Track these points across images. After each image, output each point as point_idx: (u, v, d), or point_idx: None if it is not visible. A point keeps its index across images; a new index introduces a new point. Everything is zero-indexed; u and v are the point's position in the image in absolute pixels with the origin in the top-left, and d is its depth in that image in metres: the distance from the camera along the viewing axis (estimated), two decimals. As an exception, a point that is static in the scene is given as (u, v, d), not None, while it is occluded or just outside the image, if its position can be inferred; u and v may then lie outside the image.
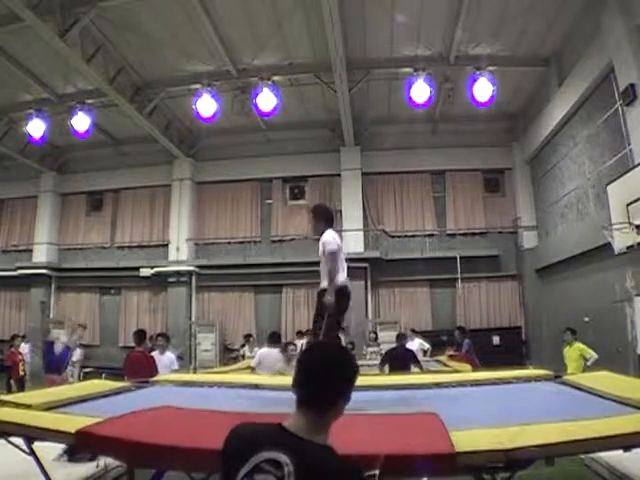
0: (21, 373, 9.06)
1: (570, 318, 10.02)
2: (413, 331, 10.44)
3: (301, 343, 6.62)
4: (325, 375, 1.44)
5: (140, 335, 6.83)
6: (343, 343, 4.12)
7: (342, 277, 4.06)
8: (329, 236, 4.08)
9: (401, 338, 7.96)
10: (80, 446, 2.37)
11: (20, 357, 9.29)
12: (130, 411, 2.70)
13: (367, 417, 2.77)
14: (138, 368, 5.99)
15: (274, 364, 6.15)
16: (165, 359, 6.90)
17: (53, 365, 7.86)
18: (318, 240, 4.15)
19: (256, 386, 4.29)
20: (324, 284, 4.01)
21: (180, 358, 11.66)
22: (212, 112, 10.51)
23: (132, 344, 7.51)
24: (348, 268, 4.22)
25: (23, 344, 11.87)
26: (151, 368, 6.14)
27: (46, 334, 8.47)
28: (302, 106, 12.33)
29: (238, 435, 1.45)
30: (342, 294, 4.00)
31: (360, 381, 4.24)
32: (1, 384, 9.78)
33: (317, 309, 4.08)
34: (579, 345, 7.24)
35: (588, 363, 6.95)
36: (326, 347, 1.67)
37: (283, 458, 1.29)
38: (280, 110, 10.65)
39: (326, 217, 4.32)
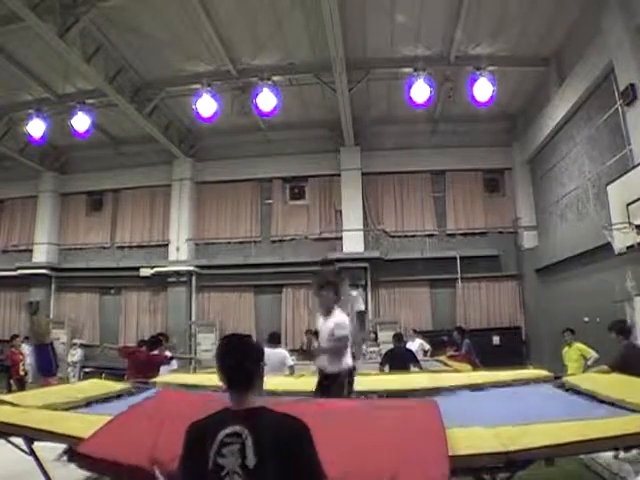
0: (21, 373, 9.05)
1: (570, 318, 10.01)
2: (414, 331, 10.44)
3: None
4: (238, 360, 1.72)
5: (155, 340, 6.88)
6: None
7: (349, 358, 3.92)
8: (344, 319, 3.93)
9: (398, 338, 7.97)
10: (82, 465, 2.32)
11: (20, 357, 9.28)
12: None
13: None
14: (142, 367, 5.99)
15: (278, 364, 5.95)
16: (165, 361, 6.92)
17: (45, 368, 7.90)
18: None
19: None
20: (332, 368, 3.81)
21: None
22: (212, 112, 10.50)
23: (132, 344, 7.53)
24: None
25: (24, 344, 11.87)
26: (153, 368, 6.16)
27: (39, 337, 8.36)
28: (302, 106, 12.33)
29: (196, 429, 1.69)
30: (351, 375, 3.88)
31: (359, 382, 4.24)
32: (1, 384, 9.77)
33: (323, 392, 3.79)
34: (579, 345, 7.21)
35: (589, 362, 6.90)
36: (230, 339, 1.86)
37: (238, 428, 1.59)
38: (280, 110, 10.63)
39: (335, 288, 4.05)
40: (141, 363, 6.26)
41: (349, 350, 3.96)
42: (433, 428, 2.23)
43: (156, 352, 6.85)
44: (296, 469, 1.55)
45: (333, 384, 3.78)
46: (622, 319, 6.28)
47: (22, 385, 8.80)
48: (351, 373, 3.89)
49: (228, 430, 1.59)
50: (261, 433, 1.58)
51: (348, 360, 3.90)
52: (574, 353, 7.17)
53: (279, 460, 1.54)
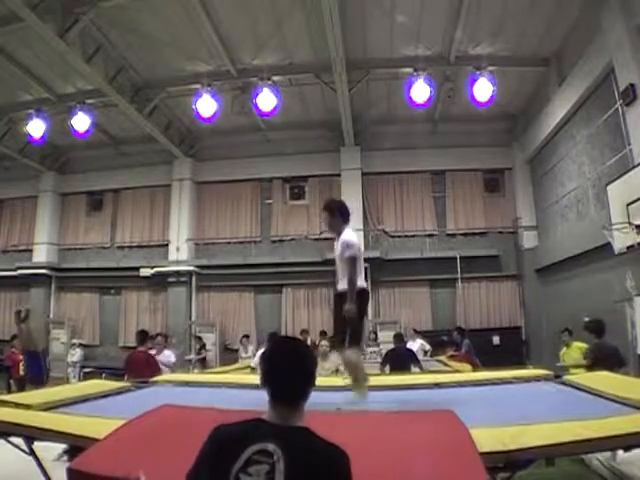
0: (21, 373, 9.04)
1: (570, 318, 10.00)
2: (415, 331, 10.44)
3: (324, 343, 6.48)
4: (295, 370, 1.54)
5: (142, 336, 6.86)
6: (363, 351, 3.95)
7: (361, 280, 3.92)
8: (350, 237, 3.93)
9: (398, 338, 7.97)
10: None
11: (20, 357, 9.26)
12: (129, 413, 2.68)
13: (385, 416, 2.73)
14: (141, 368, 6.00)
15: None
16: (163, 358, 6.94)
17: (35, 376, 7.88)
18: (332, 239, 4.03)
19: (257, 386, 4.28)
20: (343, 286, 3.85)
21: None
22: (212, 112, 10.51)
23: (132, 344, 7.53)
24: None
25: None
26: (153, 368, 6.16)
27: (28, 346, 8.26)
28: (302, 106, 12.33)
29: (223, 435, 1.51)
30: (362, 297, 3.87)
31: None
32: (1, 384, 9.76)
33: (337, 313, 3.88)
34: (578, 344, 7.15)
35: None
36: (288, 343, 1.72)
37: (271, 447, 1.40)
38: (280, 110, 10.64)
39: (343, 213, 4.09)
40: (139, 364, 6.25)
41: (360, 270, 3.93)
42: (464, 441, 2.17)
43: (153, 351, 6.86)
44: None
45: (339, 302, 3.85)
46: (598, 319, 6.48)
47: (22, 385, 8.79)
48: (362, 294, 3.86)
49: (259, 446, 1.41)
50: (296, 457, 1.39)
51: (360, 281, 3.87)
52: (574, 353, 7.12)
53: None
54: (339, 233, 4.00)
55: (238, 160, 13.86)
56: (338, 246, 3.97)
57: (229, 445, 1.46)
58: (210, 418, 2.52)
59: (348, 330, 3.73)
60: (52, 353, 13.37)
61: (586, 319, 9.18)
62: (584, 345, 7.07)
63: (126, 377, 5.98)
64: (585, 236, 9.13)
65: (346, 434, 1.94)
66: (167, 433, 2.41)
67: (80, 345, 13.17)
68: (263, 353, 1.67)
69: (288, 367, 1.55)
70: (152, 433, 2.43)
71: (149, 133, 12.14)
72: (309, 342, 10.56)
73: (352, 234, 4.01)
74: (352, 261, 3.80)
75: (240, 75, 10.71)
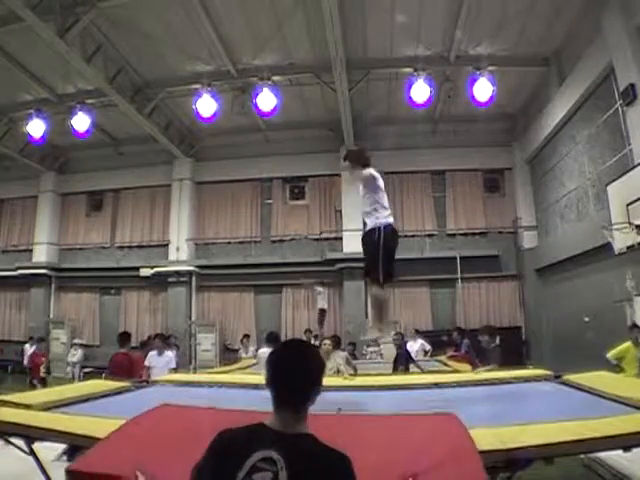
0: (42, 375, 9.08)
1: (570, 318, 10.03)
2: (416, 331, 10.44)
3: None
4: (298, 373, 1.52)
5: (123, 337, 6.87)
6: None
7: (389, 215, 4.06)
8: (372, 170, 4.11)
9: (400, 338, 8.00)
10: None
11: (43, 359, 9.32)
12: (129, 413, 2.67)
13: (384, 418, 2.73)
14: (120, 370, 6.00)
15: None
16: (162, 360, 6.92)
17: None
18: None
19: (256, 386, 4.28)
20: (374, 222, 4.00)
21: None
22: (212, 112, 10.52)
23: (132, 344, 7.51)
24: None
25: (27, 345, 11.87)
26: (133, 370, 6.16)
27: None
28: (302, 106, 12.33)
29: (226, 441, 1.49)
30: (392, 230, 4.03)
31: (361, 381, 4.26)
32: (23, 385, 9.77)
33: (367, 251, 4.04)
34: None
35: None
36: (292, 346, 1.69)
37: (274, 455, 1.39)
38: (280, 110, 10.64)
39: (364, 159, 4.31)
40: (119, 367, 6.25)
41: (383, 206, 4.07)
42: (464, 443, 2.16)
43: (153, 352, 6.86)
44: None
45: (367, 237, 4.06)
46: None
47: (45, 386, 8.83)
48: (391, 230, 3.99)
49: (263, 454, 1.40)
50: (299, 466, 1.39)
51: (381, 219, 4.01)
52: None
53: None
54: (366, 178, 4.15)
55: (238, 160, 13.86)
56: (361, 183, 4.17)
57: (233, 451, 1.44)
58: (210, 417, 2.52)
59: (380, 261, 3.86)
60: (52, 353, 13.40)
61: (586, 319, 9.22)
62: None
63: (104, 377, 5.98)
64: (585, 236, 9.13)
65: (348, 436, 1.94)
66: (167, 433, 2.40)
67: (80, 345, 13.18)
68: (269, 356, 1.63)
69: (291, 370, 1.53)
70: (152, 433, 2.43)
71: (149, 133, 12.14)
72: (311, 342, 10.58)
73: (372, 172, 4.17)
74: (374, 187, 4.04)
75: (240, 75, 10.71)
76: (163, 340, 7.30)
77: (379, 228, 3.97)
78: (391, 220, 4.05)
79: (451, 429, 2.28)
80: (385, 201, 4.11)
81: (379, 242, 3.89)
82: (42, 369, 9.08)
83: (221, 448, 1.48)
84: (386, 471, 1.97)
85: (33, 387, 9.30)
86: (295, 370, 1.53)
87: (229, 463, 1.42)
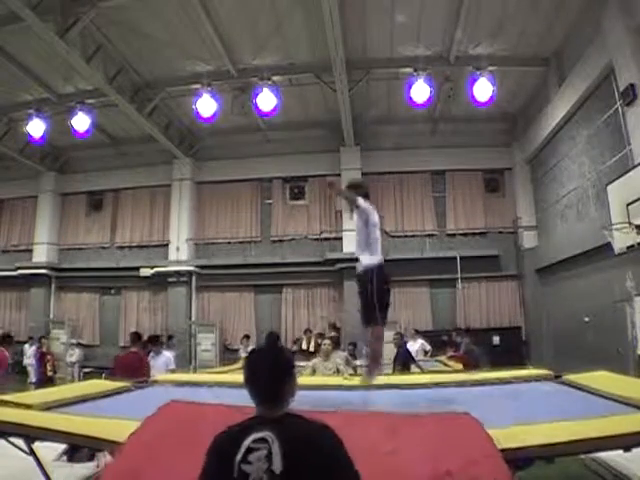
0: (49, 374, 9.03)
1: (570, 318, 10.03)
2: (416, 332, 10.44)
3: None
4: (267, 376, 1.68)
5: (134, 337, 6.86)
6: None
7: (380, 254, 4.02)
8: (367, 205, 4.05)
9: (400, 338, 8.02)
10: None
11: (49, 357, 9.28)
12: (129, 413, 2.67)
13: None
14: (131, 369, 5.98)
15: None
16: (160, 360, 6.93)
17: None
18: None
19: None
20: (365, 261, 3.94)
21: None
22: (212, 112, 10.51)
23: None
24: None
25: (27, 346, 11.86)
26: (143, 369, 6.15)
27: None
28: (302, 106, 12.33)
29: (221, 438, 1.64)
30: (384, 273, 3.97)
31: (361, 381, 4.24)
32: (23, 385, 9.73)
33: (362, 293, 3.94)
34: None
35: None
36: (261, 351, 1.86)
37: (264, 434, 1.55)
38: (280, 110, 10.63)
39: (364, 190, 4.26)
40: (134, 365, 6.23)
41: (376, 243, 4.02)
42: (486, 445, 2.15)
43: (135, 349, 6.82)
44: (328, 472, 1.51)
45: (362, 278, 3.96)
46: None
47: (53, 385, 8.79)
48: (373, 270, 3.90)
49: (254, 436, 1.55)
50: (287, 437, 1.54)
51: (374, 258, 3.95)
52: None
53: (308, 464, 1.51)
54: (357, 207, 4.07)
55: (238, 160, 13.86)
56: (358, 215, 4.09)
57: (228, 444, 1.58)
58: (219, 412, 2.52)
59: (376, 308, 3.81)
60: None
61: (586, 319, 9.22)
62: None
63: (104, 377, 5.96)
64: (585, 236, 9.13)
65: (377, 434, 2.00)
66: (182, 430, 2.39)
67: (79, 345, 13.16)
68: (245, 363, 1.78)
69: (260, 375, 1.69)
70: (171, 431, 2.41)
71: (149, 133, 12.14)
72: (312, 342, 10.56)
73: (368, 205, 4.12)
74: (375, 228, 3.99)
75: (240, 75, 10.71)
76: (153, 342, 7.23)
77: (372, 272, 3.90)
78: (382, 259, 4.01)
79: (473, 428, 2.28)
80: (378, 237, 4.06)
81: (373, 293, 3.83)
82: (49, 368, 9.05)
83: (217, 445, 1.62)
84: (418, 468, 1.98)
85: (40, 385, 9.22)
86: (262, 374, 1.68)
87: (226, 456, 1.55)
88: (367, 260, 3.94)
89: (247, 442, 1.54)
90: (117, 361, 6.63)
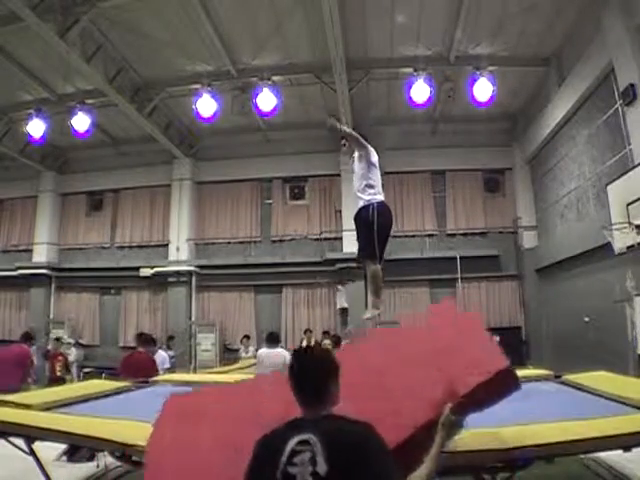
0: (58, 374, 9.00)
1: (570, 318, 10.03)
2: None
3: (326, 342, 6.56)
4: (321, 379, 1.73)
5: (141, 338, 6.83)
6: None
7: (380, 193, 4.07)
8: (368, 145, 4.10)
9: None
10: None
11: (60, 358, 9.25)
12: (129, 413, 2.67)
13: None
14: (142, 369, 5.97)
15: (279, 365, 5.95)
16: (157, 360, 6.95)
17: None
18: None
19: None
20: (368, 196, 4.00)
21: None
22: (212, 112, 10.52)
23: (132, 344, 7.51)
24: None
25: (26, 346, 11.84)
26: (153, 368, 6.15)
27: None
28: (302, 106, 12.32)
29: (266, 440, 1.69)
30: (385, 208, 4.04)
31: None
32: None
33: (361, 231, 4.03)
34: None
35: None
36: (305, 355, 1.88)
37: (307, 436, 1.59)
38: (280, 110, 10.64)
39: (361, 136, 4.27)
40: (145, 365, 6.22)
41: (376, 183, 4.07)
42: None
43: (142, 350, 6.82)
44: (370, 474, 1.53)
45: (361, 217, 4.04)
46: None
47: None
48: (374, 209, 3.96)
49: (298, 438, 1.60)
50: (330, 439, 1.57)
51: (375, 196, 4.01)
52: None
53: (351, 465, 1.53)
54: (359, 144, 4.14)
55: (238, 160, 13.86)
56: (355, 159, 4.17)
57: (273, 446, 1.63)
58: (219, 394, 2.53)
59: (375, 240, 3.87)
60: (52, 353, 13.37)
61: (586, 319, 9.22)
62: None
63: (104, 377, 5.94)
64: (585, 236, 9.13)
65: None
66: (194, 416, 2.38)
67: (76, 344, 13.11)
68: (290, 365, 1.81)
69: (306, 376, 1.75)
70: (184, 421, 2.40)
71: (149, 133, 12.14)
72: (312, 341, 10.58)
73: (368, 144, 4.20)
74: (374, 166, 4.06)
75: (240, 75, 10.71)
76: (144, 344, 7.14)
77: (372, 206, 3.97)
78: (383, 198, 4.08)
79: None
80: (379, 178, 4.12)
81: (373, 225, 3.89)
82: (58, 368, 9.02)
83: (261, 447, 1.68)
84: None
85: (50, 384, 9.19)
86: (307, 378, 1.75)
87: (272, 458, 1.60)
88: (368, 196, 4.01)
89: (291, 444, 1.59)
90: (125, 361, 6.59)
